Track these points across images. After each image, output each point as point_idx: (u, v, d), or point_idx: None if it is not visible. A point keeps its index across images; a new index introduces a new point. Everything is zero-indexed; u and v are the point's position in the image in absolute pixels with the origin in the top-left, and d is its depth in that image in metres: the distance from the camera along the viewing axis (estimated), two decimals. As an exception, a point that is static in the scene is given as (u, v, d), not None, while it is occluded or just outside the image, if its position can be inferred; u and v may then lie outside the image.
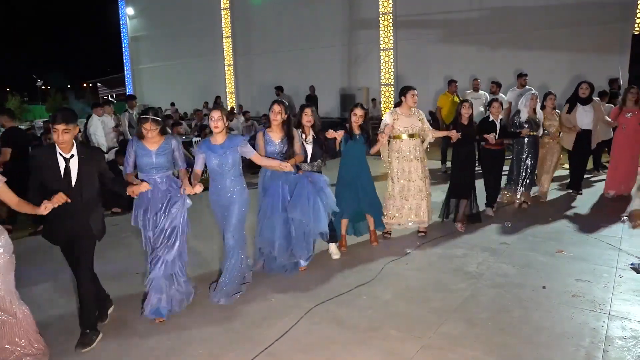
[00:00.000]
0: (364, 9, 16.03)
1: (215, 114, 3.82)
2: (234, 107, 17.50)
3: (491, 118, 5.92)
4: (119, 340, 3.36)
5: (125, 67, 24.19)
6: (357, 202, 4.86)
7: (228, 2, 19.60)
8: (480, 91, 9.29)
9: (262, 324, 3.52)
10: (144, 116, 3.60)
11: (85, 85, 45.08)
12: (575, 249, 4.81)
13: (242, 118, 12.41)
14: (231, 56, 19.96)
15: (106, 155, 7.69)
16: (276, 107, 4.27)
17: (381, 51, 15.90)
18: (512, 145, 6.52)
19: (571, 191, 7.05)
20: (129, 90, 23.43)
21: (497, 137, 5.78)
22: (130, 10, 23.12)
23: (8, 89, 44.28)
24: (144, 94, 23.10)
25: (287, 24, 17.81)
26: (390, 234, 5.35)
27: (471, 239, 5.22)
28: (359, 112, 4.79)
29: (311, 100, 13.94)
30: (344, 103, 16.31)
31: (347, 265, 4.59)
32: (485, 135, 5.69)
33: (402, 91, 5.20)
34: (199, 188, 3.67)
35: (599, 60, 12.04)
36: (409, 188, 5.17)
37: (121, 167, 7.15)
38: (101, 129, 8.22)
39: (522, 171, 6.40)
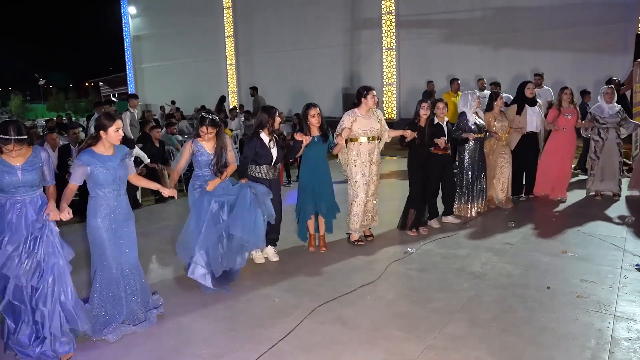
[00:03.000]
0: (367, 9, 16.01)
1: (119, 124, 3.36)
2: (236, 106, 17.49)
3: (436, 121, 5.42)
4: (120, 340, 3.34)
5: (127, 66, 24.21)
6: (314, 204, 4.76)
7: (230, 1, 19.60)
8: (486, 91, 9.26)
9: (265, 323, 3.50)
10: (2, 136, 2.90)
11: (87, 84, 45.18)
12: (579, 249, 4.79)
13: (242, 117, 12.41)
14: (233, 55, 19.97)
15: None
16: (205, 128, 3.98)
17: (383, 51, 15.89)
18: (462, 151, 5.99)
19: (523, 196, 6.71)
20: (131, 90, 23.44)
21: (446, 140, 5.43)
22: (132, 10, 23.13)
23: (10, 88, 44.43)
24: (146, 93, 23.12)
25: (290, 23, 17.80)
26: (367, 237, 5.19)
27: (474, 239, 5.20)
28: (314, 111, 4.61)
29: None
30: (347, 103, 16.30)
31: (351, 265, 4.58)
32: (436, 140, 5.28)
33: (362, 92, 4.88)
34: (66, 215, 3.05)
35: (602, 60, 12.01)
36: (371, 192, 5.03)
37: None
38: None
39: (473, 180, 5.95)
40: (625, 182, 6.89)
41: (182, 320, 3.59)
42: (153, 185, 3.86)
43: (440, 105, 5.46)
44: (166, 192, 3.68)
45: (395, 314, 3.59)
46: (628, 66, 10.78)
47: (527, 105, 6.39)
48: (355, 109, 4.93)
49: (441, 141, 5.26)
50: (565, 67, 12.44)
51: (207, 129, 3.98)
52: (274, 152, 4.45)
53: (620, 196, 6.59)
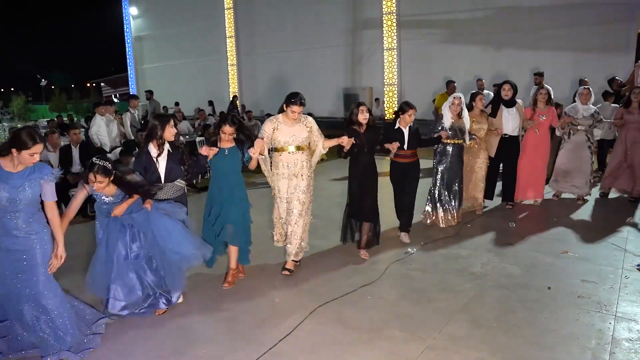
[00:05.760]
0: (368, 9, 16.02)
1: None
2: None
3: (397, 125, 4.94)
4: (122, 340, 3.35)
5: (128, 67, 24.27)
6: (217, 227, 4.07)
7: (231, 1, 19.63)
8: (485, 91, 9.23)
9: (266, 324, 3.51)
10: None
11: (89, 84, 45.26)
12: (580, 249, 4.78)
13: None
14: (234, 56, 20.00)
15: (109, 155, 7.67)
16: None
17: (385, 51, 15.90)
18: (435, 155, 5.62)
19: (506, 204, 6.36)
20: (132, 90, 23.53)
21: (406, 147, 4.90)
22: (134, 10, 23.20)
23: (12, 89, 44.54)
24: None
25: (291, 23, 17.83)
26: (291, 271, 4.42)
27: (475, 240, 5.19)
28: (228, 130, 3.92)
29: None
30: (348, 103, 16.32)
31: (351, 265, 4.57)
32: (387, 145, 4.78)
33: (286, 99, 4.25)
34: None
35: (604, 60, 11.99)
36: (290, 210, 4.35)
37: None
38: (104, 128, 8.20)
39: (445, 187, 5.54)
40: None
41: (183, 321, 3.59)
42: (57, 233, 3.12)
43: (410, 112, 4.87)
44: (57, 255, 3.09)
45: (395, 314, 3.59)
46: (630, 65, 10.76)
47: (503, 107, 6.10)
48: (280, 115, 4.32)
49: (393, 146, 4.77)
50: (567, 66, 12.43)
51: (96, 177, 3.29)
52: (162, 168, 3.78)
53: (586, 200, 6.48)
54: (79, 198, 3.40)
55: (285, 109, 4.26)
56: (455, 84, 9.48)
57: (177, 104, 17.36)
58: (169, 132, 3.77)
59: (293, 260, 4.44)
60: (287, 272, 4.37)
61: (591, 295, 3.79)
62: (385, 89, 16.06)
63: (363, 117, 4.53)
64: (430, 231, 5.46)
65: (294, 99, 4.20)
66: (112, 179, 3.38)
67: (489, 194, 6.35)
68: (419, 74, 15.23)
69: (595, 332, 3.24)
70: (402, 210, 5.19)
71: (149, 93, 12.83)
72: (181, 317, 3.65)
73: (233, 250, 4.15)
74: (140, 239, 3.57)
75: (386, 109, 15.95)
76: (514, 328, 3.33)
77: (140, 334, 3.43)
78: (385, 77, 16.02)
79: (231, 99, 16.58)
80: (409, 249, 4.91)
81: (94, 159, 3.34)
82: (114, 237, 3.52)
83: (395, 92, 15.93)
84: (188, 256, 3.62)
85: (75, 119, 18.04)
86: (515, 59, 13.04)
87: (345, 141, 4.34)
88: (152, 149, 3.78)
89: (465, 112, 5.50)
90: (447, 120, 5.41)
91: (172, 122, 3.80)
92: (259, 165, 4.38)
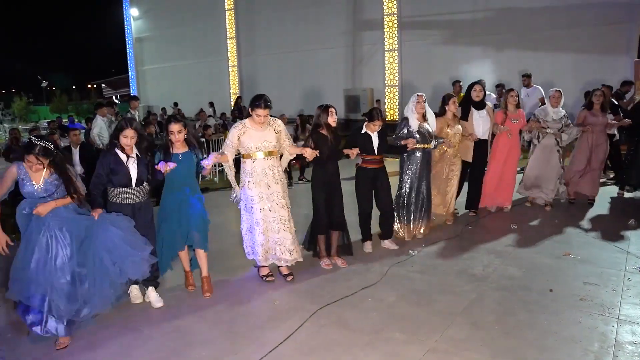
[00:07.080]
0: (369, 10, 16.03)
1: None
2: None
3: (364, 130, 4.71)
4: (120, 342, 3.34)
5: (129, 68, 24.27)
6: (184, 235, 3.94)
7: (232, 3, 19.64)
8: (488, 92, 9.16)
9: (266, 326, 3.48)
10: None
11: (90, 86, 45.37)
12: (582, 251, 4.75)
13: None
14: (235, 57, 20.00)
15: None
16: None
17: (386, 52, 15.89)
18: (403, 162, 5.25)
19: (469, 212, 6.15)
20: (133, 91, 23.55)
21: (376, 152, 4.69)
22: (134, 11, 23.21)
23: (13, 90, 44.65)
24: (148, 94, 23.18)
25: (292, 24, 17.83)
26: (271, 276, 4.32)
27: (476, 242, 5.17)
28: (174, 127, 3.81)
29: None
30: (349, 104, 16.32)
31: (351, 267, 4.55)
32: (346, 151, 4.53)
33: (252, 102, 4.04)
34: None
35: (605, 61, 11.98)
36: (271, 219, 4.17)
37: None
38: (106, 129, 8.19)
39: (413, 197, 5.19)
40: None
41: (182, 323, 3.57)
42: None
43: (376, 123, 4.65)
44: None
45: (396, 316, 3.57)
46: (630, 67, 10.75)
47: (473, 109, 5.84)
48: (246, 120, 4.14)
49: (352, 152, 4.53)
50: (568, 67, 12.43)
51: (37, 159, 3.10)
52: (133, 170, 3.63)
53: (552, 206, 6.31)
54: (8, 178, 3.15)
55: (250, 112, 4.08)
56: (461, 84, 9.44)
57: (175, 104, 17.38)
58: (129, 135, 3.59)
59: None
60: (291, 277, 4.29)
61: (593, 297, 3.77)
62: (386, 90, 16.06)
63: (333, 119, 4.37)
64: (431, 233, 5.43)
65: (258, 101, 4.00)
66: (50, 161, 3.13)
67: (475, 203, 6.15)
68: (420, 76, 15.22)
69: (598, 335, 3.22)
70: (382, 217, 4.96)
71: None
72: (180, 318, 3.63)
73: (203, 257, 4.05)
74: (68, 244, 3.26)
75: (387, 110, 15.94)
76: (515, 330, 3.31)
77: (139, 335, 3.41)
78: (386, 79, 16.02)
79: (235, 100, 16.59)
80: (410, 251, 4.88)
81: (32, 138, 3.04)
82: (35, 239, 3.21)
83: (397, 93, 15.92)
84: (127, 270, 3.42)
85: (75, 120, 18.06)
86: (515, 60, 13.03)
87: (308, 153, 4.20)
88: (121, 152, 3.64)
89: (430, 114, 5.19)
90: (414, 122, 5.08)
91: (127, 131, 3.59)
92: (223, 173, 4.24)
